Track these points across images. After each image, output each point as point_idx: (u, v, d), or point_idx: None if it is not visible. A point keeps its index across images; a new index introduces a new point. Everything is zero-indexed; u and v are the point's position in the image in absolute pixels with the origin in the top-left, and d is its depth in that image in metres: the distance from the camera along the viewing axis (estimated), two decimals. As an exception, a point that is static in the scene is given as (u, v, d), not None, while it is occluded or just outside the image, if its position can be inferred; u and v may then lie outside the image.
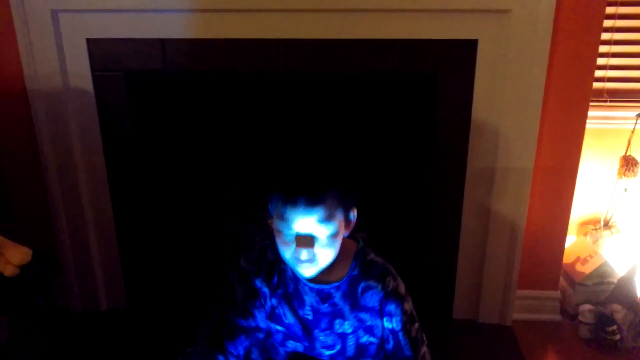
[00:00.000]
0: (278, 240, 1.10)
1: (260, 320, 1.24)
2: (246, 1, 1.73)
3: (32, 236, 2.02)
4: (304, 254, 1.05)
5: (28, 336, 1.75)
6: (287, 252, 1.09)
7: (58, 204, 1.99)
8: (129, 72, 1.89)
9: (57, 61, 1.83)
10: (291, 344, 1.25)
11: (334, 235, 1.07)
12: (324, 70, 1.84)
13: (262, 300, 1.22)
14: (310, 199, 1.02)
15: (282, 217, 1.04)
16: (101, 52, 1.85)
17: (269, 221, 1.12)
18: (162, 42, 1.82)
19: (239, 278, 1.23)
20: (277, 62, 1.83)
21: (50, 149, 1.93)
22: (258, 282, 1.21)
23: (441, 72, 1.83)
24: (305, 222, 1.03)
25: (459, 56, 1.80)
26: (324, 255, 1.08)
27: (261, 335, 1.26)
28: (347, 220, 1.12)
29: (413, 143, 2.09)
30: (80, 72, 1.87)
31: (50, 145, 1.93)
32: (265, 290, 1.21)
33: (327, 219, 1.04)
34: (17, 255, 1.63)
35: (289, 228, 1.05)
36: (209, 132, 2.17)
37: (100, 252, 2.10)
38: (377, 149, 2.08)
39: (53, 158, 1.94)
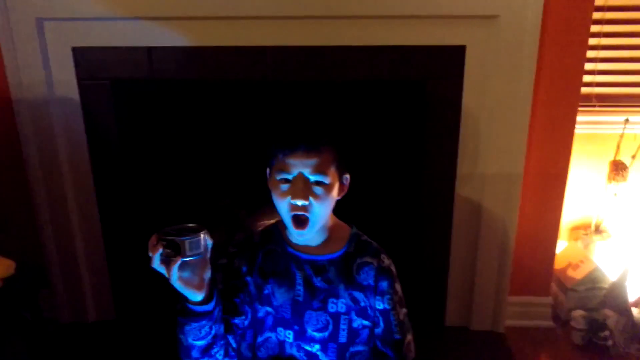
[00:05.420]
0: (275, 195, 1.17)
1: (243, 304, 1.25)
2: (233, 8, 1.72)
3: (19, 247, 1.99)
4: (300, 199, 1.13)
5: (12, 350, 1.72)
6: (284, 204, 1.15)
7: (45, 214, 1.97)
8: (116, 81, 1.87)
9: (43, 70, 1.82)
10: (281, 332, 1.25)
11: (327, 190, 1.15)
12: (312, 78, 1.84)
13: (242, 283, 1.25)
14: (308, 146, 1.12)
15: (282, 166, 1.14)
16: (87, 60, 1.83)
17: (268, 182, 1.20)
18: (149, 50, 1.81)
19: (224, 264, 1.28)
20: (265, 69, 1.83)
21: (36, 158, 1.91)
22: (236, 262, 1.26)
23: (430, 78, 1.83)
24: (303, 169, 1.13)
25: (448, 62, 1.80)
26: (318, 209, 1.14)
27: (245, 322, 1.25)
28: (340, 182, 1.20)
29: (403, 150, 2.08)
30: (66, 81, 1.85)
31: (36, 155, 1.91)
32: (244, 268, 1.25)
33: (322, 170, 1.13)
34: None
35: (287, 175, 1.13)
36: (196, 140, 2.15)
37: (88, 262, 2.07)
38: (366, 156, 2.07)
39: (39, 168, 1.92)
